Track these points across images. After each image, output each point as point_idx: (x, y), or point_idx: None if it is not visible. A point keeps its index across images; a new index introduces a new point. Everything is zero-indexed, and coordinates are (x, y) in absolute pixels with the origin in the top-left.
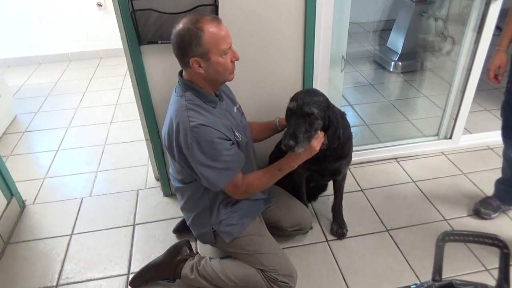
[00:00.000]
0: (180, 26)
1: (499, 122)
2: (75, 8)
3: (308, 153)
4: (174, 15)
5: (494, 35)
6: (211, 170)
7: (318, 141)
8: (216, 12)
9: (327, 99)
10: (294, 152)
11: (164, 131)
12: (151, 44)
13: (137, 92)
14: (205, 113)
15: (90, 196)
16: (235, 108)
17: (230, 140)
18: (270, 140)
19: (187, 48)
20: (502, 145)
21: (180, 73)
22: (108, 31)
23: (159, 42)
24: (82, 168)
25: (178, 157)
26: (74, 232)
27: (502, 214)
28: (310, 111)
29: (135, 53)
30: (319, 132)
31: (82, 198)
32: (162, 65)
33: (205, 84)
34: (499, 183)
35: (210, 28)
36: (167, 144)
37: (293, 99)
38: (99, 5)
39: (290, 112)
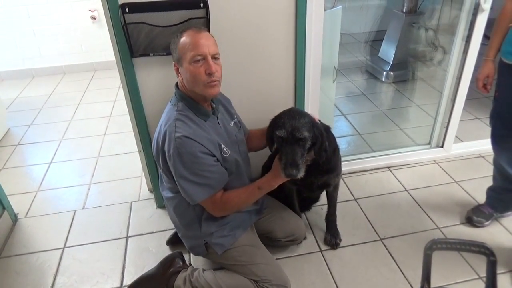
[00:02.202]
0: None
1: (490, 130)
2: (69, 21)
3: None
4: (166, 28)
5: (482, 44)
6: (189, 183)
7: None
8: (208, 25)
9: (310, 116)
10: (278, 174)
11: (154, 138)
12: (144, 57)
13: (129, 104)
14: (193, 126)
15: (83, 208)
16: (232, 123)
17: (215, 156)
18: (263, 151)
19: (172, 52)
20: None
21: (177, 84)
22: (102, 44)
23: (152, 54)
24: (75, 180)
25: (162, 164)
26: (67, 245)
27: (494, 221)
28: (302, 137)
29: (128, 66)
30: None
31: (75, 210)
32: (155, 77)
33: (194, 95)
34: (490, 190)
35: (185, 35)
36: (155, 150)
37: (280, 125)
38: (93, 18)
39: (281, 140)
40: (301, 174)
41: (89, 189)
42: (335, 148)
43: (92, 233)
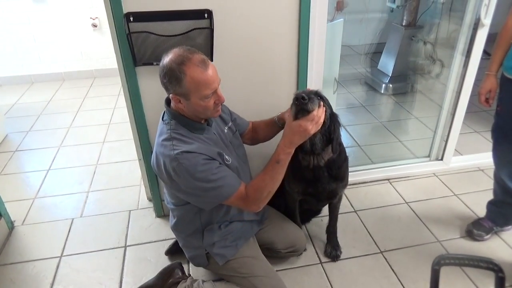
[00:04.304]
0: (167, 60)
1: (488, 144)
2: (70, 28)
3: (303, 133)
4: (170, 38)
5: (482, 58)
6: (205, 192)
7: (320, 115)
8: (212, 36)
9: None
10: (292, 127)
11: (152, 161)
12: (147, 66)
13: (131, 112)
14: (190, 141)
15: (80, 216)
16: (226, 128)
17: (217, 160)
18: (262, 157)
19: (168, 85)
20: (493, 167)
21: (167, 102)
22: (103, 51)
23: (155, 63)
24: (73, 188)
25: (171, 185)
26: (64, 254)
27: (494, 235)
28: (317, 91)
29: (130, 74)
30: (322, 108)
31: (73, 219)
32: (157, 85)
33: (192, 117)
34: (490, 204)
35: (193, 73)
36: (158, 173)
37: None
38: (94, 25)
39: (295, 99)
40: (312, 105)
41: (87, 197)
42: (346, 158)
43: (90, 242)
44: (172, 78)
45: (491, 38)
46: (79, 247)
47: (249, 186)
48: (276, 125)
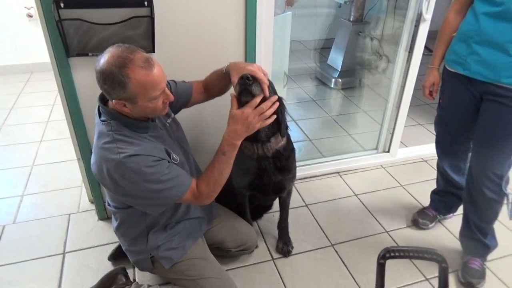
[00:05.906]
0: (104, 63)
1: (431, 136)
2: (2, 18)
3: (245, 122)
4: (106, 26)
5: (423, 54)
6: (159, 193)
7: (265, 108)
8: (152, 25)
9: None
10: (235, 118)
11: (92, 166)
12: (81, 57)
13: (66, 108)
14: (135, 141)
15: (13, 223)
16: (169, 120)
17: (166, 160)
18: (209, 151)
19: (110, 91)
20: (436, 158)
21: (102, 99)
22: (40, 44)
23: (90, 54)
24: (5, 192)
25: (115, 191)
26: None
27: (438, 223)
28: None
29: (63, 66)
30: (272, 102)
31: (4, 225)
32: (94, 78)
33: (135, 116)
34: (434, 194)
35: (137, 76)
36: (100, 179)
37: None
38: (30, 16)
39: (241, 78)
40: (256, 88)
41: (21, 201)
42: (293, 149)
43: (24, 250)
44: (114, 83)
45: (432, 35)
46: (12, 256)
47: (199, 181)
48: (224, 76)
